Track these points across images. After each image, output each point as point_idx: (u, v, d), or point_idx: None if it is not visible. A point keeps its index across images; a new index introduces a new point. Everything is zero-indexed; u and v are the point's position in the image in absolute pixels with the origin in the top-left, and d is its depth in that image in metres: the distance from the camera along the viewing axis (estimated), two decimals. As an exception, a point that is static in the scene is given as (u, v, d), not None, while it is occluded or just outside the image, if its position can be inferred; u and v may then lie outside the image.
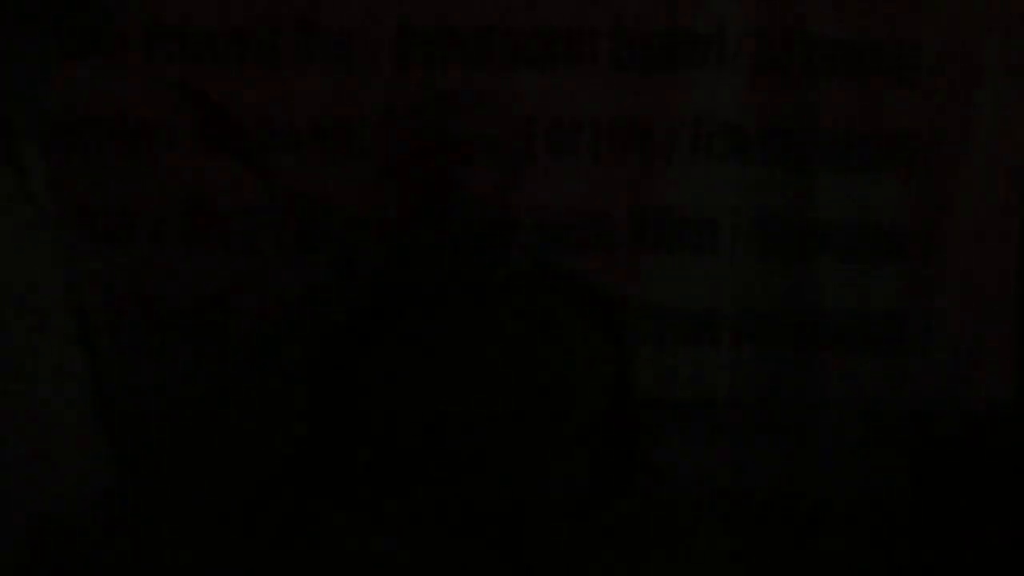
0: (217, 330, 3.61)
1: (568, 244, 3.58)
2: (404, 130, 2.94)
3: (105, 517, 2.55)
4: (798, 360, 3.67)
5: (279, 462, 3.02)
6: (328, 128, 3.61)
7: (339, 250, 3.49)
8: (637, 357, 3.10)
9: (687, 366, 3.63)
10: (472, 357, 2.85)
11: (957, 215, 3.66)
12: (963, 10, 3.64)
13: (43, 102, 2.63)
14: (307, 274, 3.59)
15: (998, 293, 3.66)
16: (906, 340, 3.66)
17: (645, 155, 3.62)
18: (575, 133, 3.59)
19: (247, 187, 3.53)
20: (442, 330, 2.86)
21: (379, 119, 3.56)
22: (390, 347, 2.85)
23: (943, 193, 3.66)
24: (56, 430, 2.48)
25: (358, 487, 2.85)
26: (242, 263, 3.61)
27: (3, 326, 2.41)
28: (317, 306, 3.47)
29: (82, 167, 3.57)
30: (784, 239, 3.67)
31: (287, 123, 3.60)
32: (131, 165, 3.60)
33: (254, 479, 3.49)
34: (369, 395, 2.84)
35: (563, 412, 2.86)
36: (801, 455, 3.69)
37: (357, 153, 3.61)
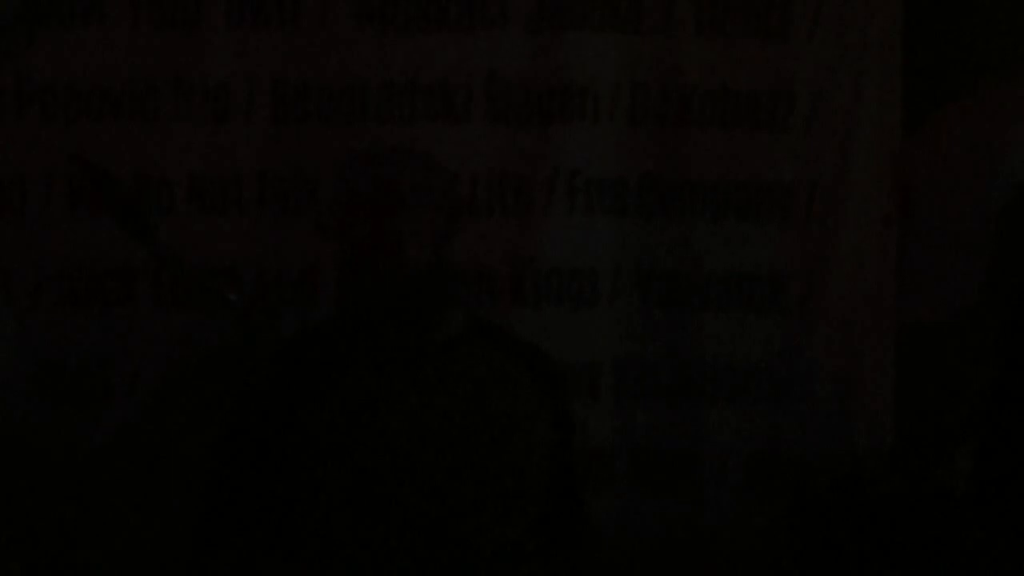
0: (103, 389, 3.59)
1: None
2: (341, 186, 2.93)
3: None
4: (678, 409, 3.68)
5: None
6: (205, 183, 3.59)
7: (233, 309, 3.48)
8: (574, 414, 3.08)
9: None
10: (410, 417, 2.83)
11: (833, 264, 3.68)
12: (837, 60, 3.66)
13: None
14: (189, 334, 3.58)
15: (875, 342, 3.68)
16: (784, 389, 3.68)
17: (522, 209, 3.62)
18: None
19: (125, 247, 3.52)
20: (380, 390, 2.84)
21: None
22: (325, 408, 2.82)
23: (820, 240, 3.68)
24: None
25: (282, 552, 2.82)
26: (124, 322, 3.58)
27: None
28: (219, 368, 3.46)
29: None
30: (664, 290, 3.69)
31: (163, 179, 3.58)
32: (6, 225, 3.57)
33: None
34: (300, 456, 2.81)
35: (504, 469, 2.85)
36: (684, 504, 3.69)
37: (234, 208, 3.59)
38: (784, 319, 3.68)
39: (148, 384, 3.58)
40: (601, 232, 3.66)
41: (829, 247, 3.68)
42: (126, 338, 3.58)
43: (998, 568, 3.09)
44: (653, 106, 3.66)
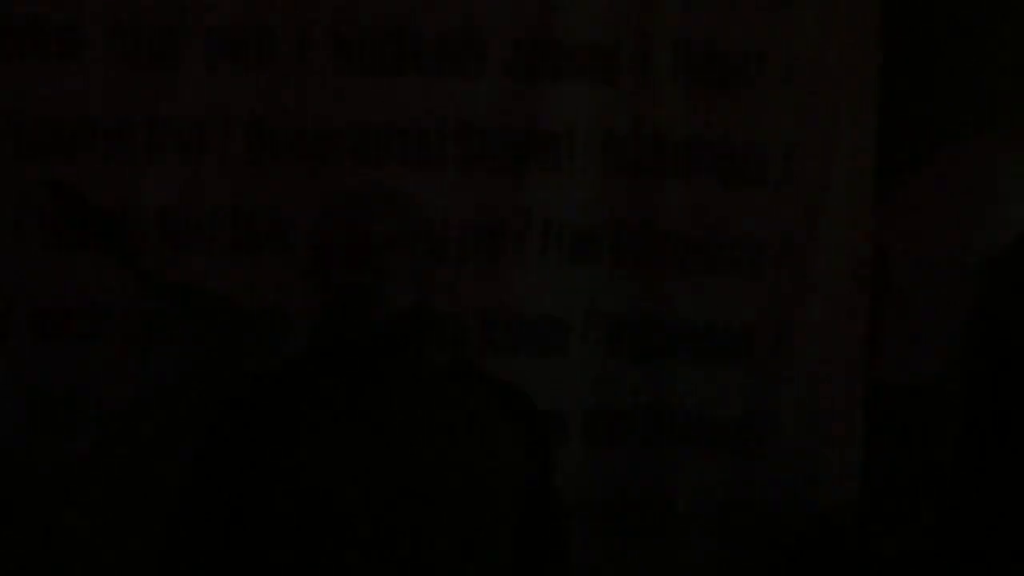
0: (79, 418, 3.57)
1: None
2: (322, 229, 2.92)
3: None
4: (648, 459, 3.67)
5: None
6: (178, 220, 3.59)
7: (215, 340, 3.48)
8: (554, 457, 3.07)
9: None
10: (388, 456, 2.81)
11: (804, 316, 3.68)
12: (811, 113, 3.67)
13: None
14: (163, 366, 3.57)
15: (844, 397, 3.68)
16: (753, 440, 3.67)
17: (494, 256, 3.62)
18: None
19: (98, 282, 3.52)
20: (356, 429, 2.82)
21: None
22: (303, 445, 2.79)
23: (790, 295, 3.68)
24: None
25: None
26: (96, 359, 3.57)
27: None
28: (187, 400, 3.44)
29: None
30: (634, 340, 3.68)
31: (136, 215, 3.58)
32: None
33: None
34: (277, 492, 2.78)
35: (482, 513, 2.83)
36: (653, 553, 3.68)
37: (207, 245, 3.59)
38: (754, 371, 3.68)
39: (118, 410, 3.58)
40: (573, 281, 3.66)
41: (800, 301, 3.68)
42: (99, 372, 3.56)
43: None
44: (627, 155, 3.67)
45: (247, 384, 2.95)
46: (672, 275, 3.68)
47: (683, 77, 3.66)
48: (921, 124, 3.74)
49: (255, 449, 2.78)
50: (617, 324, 3.68)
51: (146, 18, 3.56)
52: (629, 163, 3.67)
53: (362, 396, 2.83)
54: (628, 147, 3.66)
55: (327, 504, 2.75)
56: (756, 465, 3.67)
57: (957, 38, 3.73)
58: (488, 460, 2.84)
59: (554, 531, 2.97)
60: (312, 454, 2.75)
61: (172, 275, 3.58)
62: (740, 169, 3.67)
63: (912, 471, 3.68)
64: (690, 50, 3.66)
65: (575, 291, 3.66)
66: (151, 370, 3.57)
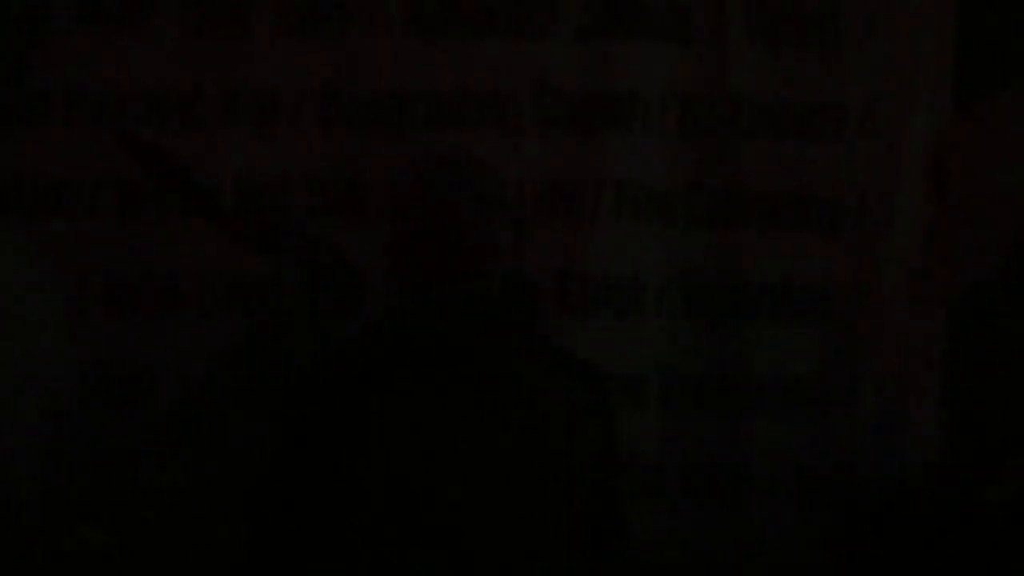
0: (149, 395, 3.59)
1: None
2: (411, 194, 2.90)
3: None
4: (725, 422, 3.65)
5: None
6: (252, 189, 3.59)
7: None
8: (620, 429, 3.06)
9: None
10: (463, 429, 2.80)
11: (884, 277, 3.65)
12: (889, 70, 3.64)
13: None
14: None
15: (925, 355, 3.64)
16: (832, 402, 3.65)
17: (569, 218, 3.61)
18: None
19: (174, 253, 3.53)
20: (430, 399, 2.80)
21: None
22: (384, 413, 2.79)
23: (868, 252, 3.65)
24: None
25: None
26: (170, 330, 3.58)
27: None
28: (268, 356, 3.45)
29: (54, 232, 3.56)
30: (711, 301, 3.66)
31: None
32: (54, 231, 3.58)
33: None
34: (360, 460, 2.78)
35: (555, 485, 2.82)
36: (730, 517, 3.66)
37: (281, 214, 3.59)
38: (831, 331, 3.66)
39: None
40: (648, 242, 3.64)
41: (878, 259, 3.65)
42: (172, 345, 3.58)
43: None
44: (702, 116, 3.64)
45: (331, 349, 2.95)
46: (749, 234, 3.65)
47: (759, 35, 3.63)
48: (998, 73, 3.70)
49: (339, 413, 2.78)
50: (693, 285, 3.66)
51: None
52: (705, 123, 3.64)
53: (444, 362, 2.82)
54: (704, 107, 3.64)
55: (411, 471, 2.75)
56: (835, 424, 3.65)
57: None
58: (565, 434, 2.83)
59: (619, 504, 2.97)
60: (394, 420, 2.75)
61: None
62: (818, 127, 3.64)
63: (994, 425, 3.65)
64: (766, 8, 3.63)
65: (651, 252, 3.64)
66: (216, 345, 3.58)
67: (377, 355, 2.82)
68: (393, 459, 2.73)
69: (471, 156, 2.90)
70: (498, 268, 2.81)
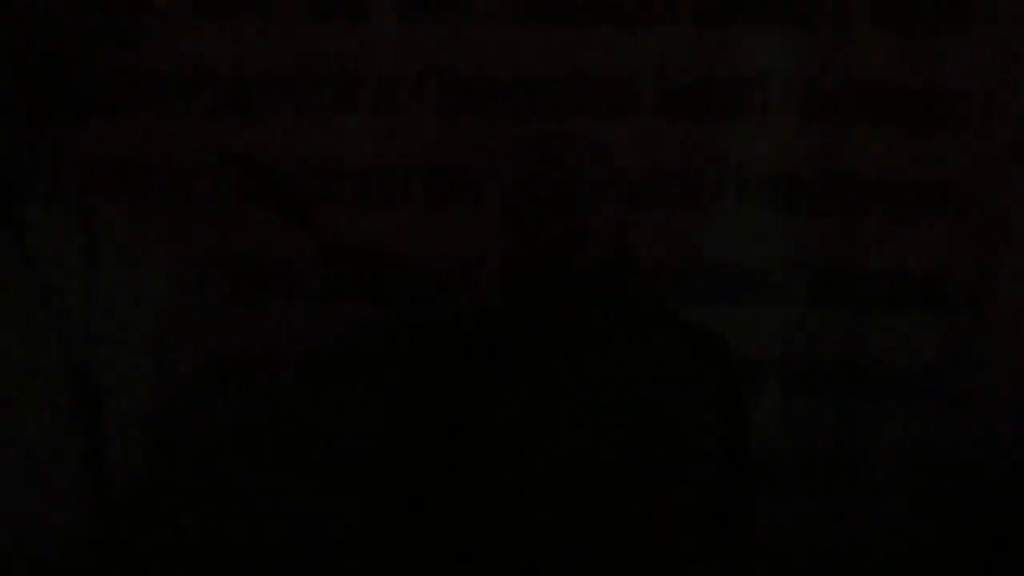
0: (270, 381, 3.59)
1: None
2: (519, 173, 2.91)
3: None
4: (846, 410, 3.63)
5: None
6: (370, 177, 3.59)
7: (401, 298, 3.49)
8: (749, 406, 3.04)
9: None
10: (591, 404, 2.79)
11: (1003, 262, 3.61)
12: (1015, 54, 3.60)
13: (45, 162, 2.62)
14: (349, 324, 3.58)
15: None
16: (952, 392, 3.61)
17: (690, 204, 3.59)
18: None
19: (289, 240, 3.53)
20: (560, 376, 2.80)
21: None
22: (496, 404, 2.78)
23: (991, 242, 3.61)
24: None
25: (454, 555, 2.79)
26: (289, 315, 3.58)
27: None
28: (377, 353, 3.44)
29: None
30: (832, 288, 3.63)
31: (328, 172, 3.58)
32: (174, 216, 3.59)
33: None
34: (471, 456, 2.77)
35: (676, 464, 2.81)
36: (852, 507, 3.63)
37: (400, 201, 3.58)
38: (954, 320, 3.62)
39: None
40: (770, 228, 3.61)
41: (1001, 246, 3.61)
42: (292, 330, 3.58)
43: None
44: (825, 102, 3.61)
45: (450, 331, 2.94)
46: (870, 222, 3.62)
47: (883, 20, 3.59)
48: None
49: (459, 394, 2.77)
50: (815, 272, 3.63)
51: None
52: (827, 109, 3.61)
53: (565, 345, 2.81)
54: (826, 93, 3.60)
55: (532, 454, 2.73)
56: (959, 415, 3.61)
57: None
58: (691, 415, 2.81)
59: (748, 489, 2.94)
60: (515, 399, 2.74)
61: (363, 233, 3.58)
62: (942, 114, 3.60)
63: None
64: (887, -9, 3.61)
65: (772, 239, 3.62)
66: (332, 327, 3.58)
67: (501, 339, 2.81)
68: (515, 444, 2.72)
69: (582, 138, 2.90)
70: (608, 247, 2.81)
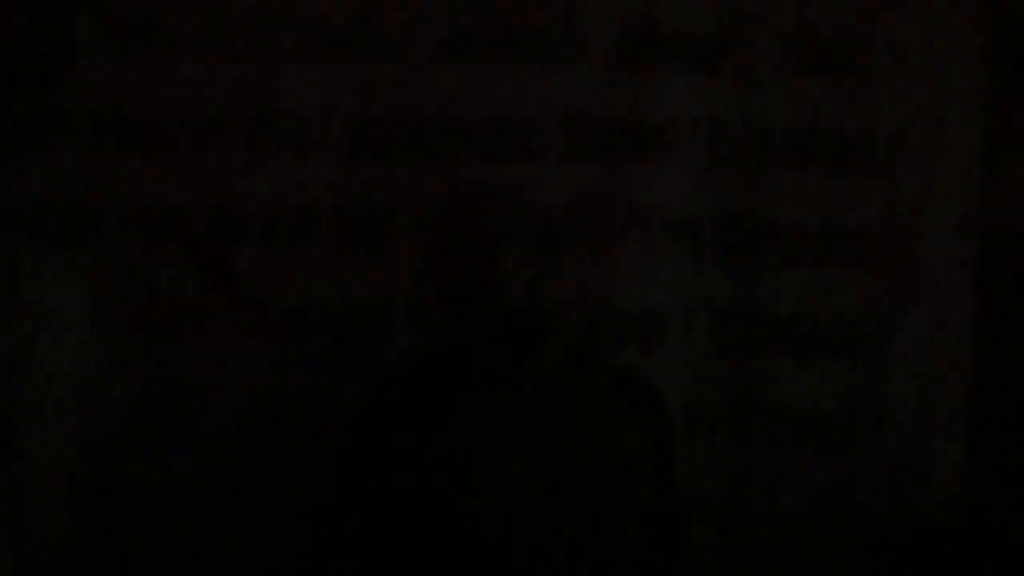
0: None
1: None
2: (440, 223, 2.94)
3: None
4: (752, 457, 3.65)
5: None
6: (279, 217, 3.58)
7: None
8: (676, 447, 3.07)
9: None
10: (513, 453, 2.82)
11: (910, 308, 3.64)
12: (917, 98, 3.63)
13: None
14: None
15: (950, 387, 3.64)
16: (856, 436, 3.64)
17: (597, 248, 3.60)
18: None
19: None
20: (476, 425, 2.83)
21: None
22: (430, 450, 2.81)
23: (896, 286, 3.64)
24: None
25: None
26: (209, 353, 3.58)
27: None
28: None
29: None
30: (737, 333, 3.65)
31: (236, 212, 3.57)
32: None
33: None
34: (396, 495, 2.80)
35: (605, 508, 2.84)
36: (759, 552, 3.66)
37: (308, 243, 3.58)
38: (858, 364, 3.64)
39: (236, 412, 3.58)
40: (676, 272, 3.63)
41: (906, 292, 3.64)
42: (212, 368, 3.56)
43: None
44: (731, 145, 3.63)
45: (382, 373, 2.96)
46: (776, 267, 3.64)
47: (787, 65, 3.61)
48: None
49: (398, 440, 2.80)
50: (720, 317, 3.65)
51: (247, 11, 3.55)
52: (734, 153, 3.63)
53: (489, 390, 2.84)
54: (732, 136, 3.62)
55: (458, 502, 2.76)
56: (859, 462, 3.64)
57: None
58: (616, 451, 2.86)
59: (676, 520, 2.98)
60: (443, 448, 2.77)
61: (271, 274, 3.57)
62: (846, 158, 3.63)
63: (1019, 458, 3.64)
64: (794, 37, 3.62)
65: (678, 283, 3.63)
66: (254, 372, 3.57)
67: (430, 383, 2.85)
68: (451, 484, 2.75)
69: (503, 184, 2.94)
70: (525, 294, 2.85)
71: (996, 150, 3.65)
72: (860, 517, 3.63)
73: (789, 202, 3.63)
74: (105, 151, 3.55)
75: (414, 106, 3.57)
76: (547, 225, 3.49)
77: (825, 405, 3.63)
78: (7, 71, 3.47)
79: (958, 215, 3.63)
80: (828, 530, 3.63)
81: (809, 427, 3.64)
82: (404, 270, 3.54)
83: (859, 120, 3.62)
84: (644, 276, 3.61)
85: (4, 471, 3.17)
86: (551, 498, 2.81)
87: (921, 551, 3.47)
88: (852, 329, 3.64)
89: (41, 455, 3.45)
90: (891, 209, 3.63)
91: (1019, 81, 3.65)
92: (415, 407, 2.83)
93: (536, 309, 2.91)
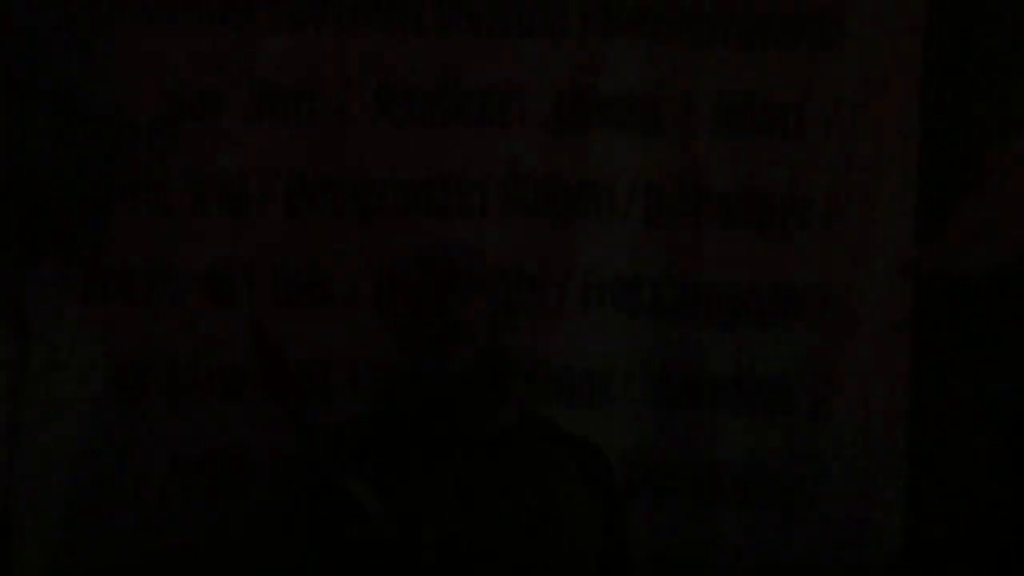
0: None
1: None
2: (392, 280, 2.95)
3: None
4: (691, 514, 3.66)
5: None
6: (218, 277, 3.59)
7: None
8: (628, 511, 3.08)
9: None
10: (460, 514, 2.82)
11: (845, 367, 3.67)
12: (852, 161, 3.67)
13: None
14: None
15: (886, 447, 3.66)
16: (795, 493, 3.66)
17: (535, 307, 3.62)
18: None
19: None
20: (428, 486, 2.83)
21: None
22: (392, 492, 2.81)
23: (831, 345, 3.67)
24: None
25: None
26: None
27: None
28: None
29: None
30: (676, 391, 3.67)
31: (176, 271, 3.58)
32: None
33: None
34: (355, 550, 2.80)
35: (564, 560, 2.85)
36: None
37: (247, 302, 3.59)
38: (794, 424, 3.67)
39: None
40: (615, 332, 3.65)
41: (841, 351, 3.67)
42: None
43: None
44: (669, 206, 3.66)
45: (331, 434, 2.95)
46: (714, 326, 3.67)
47: (725, 127, 3.65)
48: (959, 173, 3.74)
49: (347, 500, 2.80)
50: (658, 376, 3.67)
51: (186, 73, 3.56)
52: (671, 213, 3.66)
53: (444, 455, 2.85)
54: (670, 197, 3.66)
55: (409, 566, 2.76)
56: (797, 520, 3.66)
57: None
58: (568, 516, 2.87)
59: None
60: (394, 512, 2.77)
61: (211, 333, 3.56)
62: (782, 219, 3.66)
63: (957, 520, 3.66)
64: (731, 100, 3.66)
65: (617, 342, 3.65)
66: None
67: (385, 441, 2.86)
68: (401, 548, 2.76)
69: (462, 241, 2.96)
70: (485, 350, 2.87)
71: (933, 200, 3.69)
72: (797, 571, 3.64)
73: (726, 262, 3.66)
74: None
75: (355, 166, 3.59)
76: (497, 283, 3.54)
77: (762, 462, 3.65)
78: None
79: (894, 272, 3.66)
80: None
81: (746, 485, 3.66)
82: (343, 330, 3.56)
83: (795, 181, 3.66)
84: (583, 334, 3.63)
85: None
86: (504, 564, 2.81)
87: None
88: (788, 386, 3.66)
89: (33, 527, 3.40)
90: (827, 269, 3.67)
91: (955, 134, 3.70)
92: (366, 471, 2.83)
93: (493, 368, 2.93)
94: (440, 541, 2.78)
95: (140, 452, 3.55)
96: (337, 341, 3.57)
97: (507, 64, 3.61)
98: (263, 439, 3.50)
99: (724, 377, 3.67)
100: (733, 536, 3.66)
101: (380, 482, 2.81)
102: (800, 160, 3.66)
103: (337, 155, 3.59)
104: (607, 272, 3.65)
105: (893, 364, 3.67)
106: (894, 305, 3.67)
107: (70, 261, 3.41)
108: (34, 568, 3.01)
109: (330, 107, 3.59)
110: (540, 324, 3.63)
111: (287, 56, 3.57)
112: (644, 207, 3.66)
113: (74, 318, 3.11)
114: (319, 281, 3.60)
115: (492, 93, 3.61)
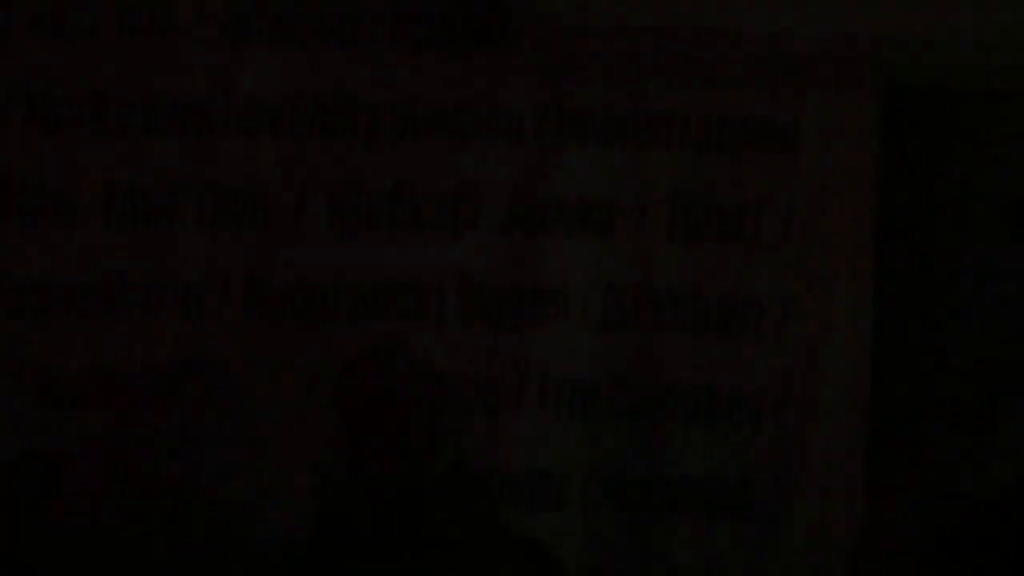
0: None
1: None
2: (348, 386, 2.96)
3: None
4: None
5: None
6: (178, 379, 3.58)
7: None
8: None
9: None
10: None
11: (802, 468, 3.65)
12: (808, 266, 3.68)
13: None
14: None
15: (844, 546, 3.64)
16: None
17: (492, 411, 3.62)
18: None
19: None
20: None
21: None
22: None
23: (788, 447, 3.66)
24: None
25: None
26: None
27: None
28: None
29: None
30: (634, 495, 3.66)
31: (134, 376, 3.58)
32: None
33: None
34: None
35: None
36: None
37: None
38: (753, 525, 3.65)
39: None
40: (571, 434, 3.65)
41: (798, 453, 3.66)
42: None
43: None
44: (625, 309, 3.67)
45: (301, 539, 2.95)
46: (671, 429, 3.66)
47: (680, 230, 3.67)
48: (920, 272, 3.75)
49: None
50: (616, 478, 3.66)
51: (143, 179, 3.59)
52: (627, 316, 3.67)
53: (412, 558, 2.85)
54: (626, 300, 3.67)
55: None
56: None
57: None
58: None
59: None
60: None
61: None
62: (738, 321, 3.67)
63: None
64: (687, 203, 3.68)
65: (574, 445, 3.65)
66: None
67: (349, 546, 2.84)
68: None
69: (413, 348, 2.96)
70: (445, 455, 2.87)
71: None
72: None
73: (684, 364, 3.66)
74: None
75: (309, 271, 3.61)
76: (455, 387, 3.55)
77: (723, 565, 3.62)
78: None
79: (853, 371, 3.66)
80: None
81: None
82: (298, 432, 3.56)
83: (750, 284, 3.67)
84: (539, 438, 3.64)
85: None
86: None
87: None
88: (747, 488, 3.65)
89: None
90: (781, 372, 3.66)
91: (906, 234, 3.72)
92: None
93: (457, 474, 2.93)
94: None
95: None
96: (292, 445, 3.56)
97: (461, 168, 3.63)
98: None
99: (682, 480, 3.65)
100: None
101: None
102: (754, 263, 3.67)
103: (289, 259, 3.61)
104: (564, 375, 3.65)
105: (850, 467, 3.65)
106: (851, 408, 3.66)
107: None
108: None
109: (282, 215, 3.61)
110: (496, 427, 3.62)
111: (240, 160, 3.60)
112: (600, 310, 3.67)
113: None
114: (275, 384, 3.60)
115: (445, 198, 3.63)
